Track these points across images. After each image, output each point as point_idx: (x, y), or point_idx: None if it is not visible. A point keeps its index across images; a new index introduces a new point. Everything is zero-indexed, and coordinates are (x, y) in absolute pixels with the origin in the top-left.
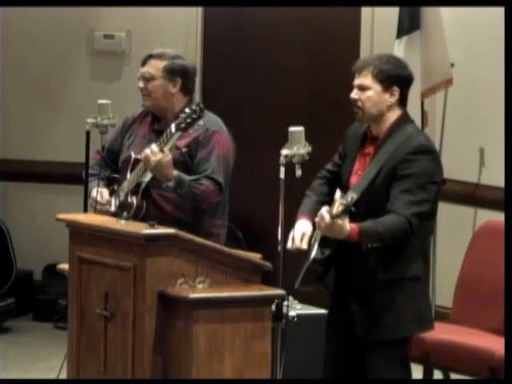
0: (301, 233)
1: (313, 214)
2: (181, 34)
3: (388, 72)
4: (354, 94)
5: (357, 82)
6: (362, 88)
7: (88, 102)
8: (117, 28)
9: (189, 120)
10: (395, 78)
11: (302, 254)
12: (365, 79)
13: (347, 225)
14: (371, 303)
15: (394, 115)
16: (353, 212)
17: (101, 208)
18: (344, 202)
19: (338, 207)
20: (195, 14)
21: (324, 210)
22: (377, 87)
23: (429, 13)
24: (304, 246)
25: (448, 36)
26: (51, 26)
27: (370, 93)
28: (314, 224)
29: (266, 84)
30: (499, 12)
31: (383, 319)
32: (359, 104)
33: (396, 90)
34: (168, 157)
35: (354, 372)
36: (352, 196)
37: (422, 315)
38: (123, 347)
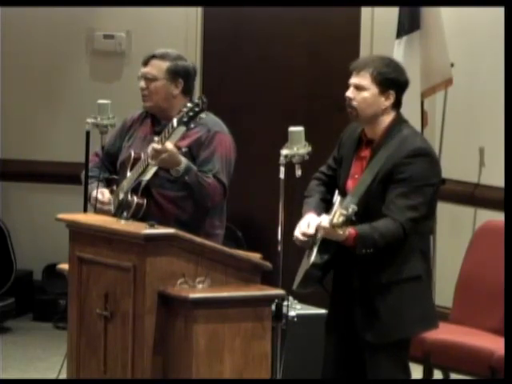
0: (306, 222)
1: (318, 210)
2: (181, 34)
3: (386, 75)
4: (350, 93)
5: (354, 81)
6: (359, 88)
7: (88, 101)
8: (117, 28)
9: (191, 113)
10: (393, 81)
11: (302, 253)
12: (363, 79)
13: (346, 230)
14: (373, 305)
15: (388, 118)
16: (353, 220)
17: (102, 207)
18: (345, 212)
19: (338, 217)
20: (195, 14)
21: (324, 219)
22: (374, 89)
23: (429, 13)
24: (310, 230)
25: (448, 36)
26: (51, 25)
27: (366, 94)
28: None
29: (266, 84)
30: (499, 12)
31: (386, 321)
32: (354, 104)
33: (392, 94)
34: (171, 147)
35: (353, 373)
36: (353, 207)
37: (426, 314)
38: (123, 347)
